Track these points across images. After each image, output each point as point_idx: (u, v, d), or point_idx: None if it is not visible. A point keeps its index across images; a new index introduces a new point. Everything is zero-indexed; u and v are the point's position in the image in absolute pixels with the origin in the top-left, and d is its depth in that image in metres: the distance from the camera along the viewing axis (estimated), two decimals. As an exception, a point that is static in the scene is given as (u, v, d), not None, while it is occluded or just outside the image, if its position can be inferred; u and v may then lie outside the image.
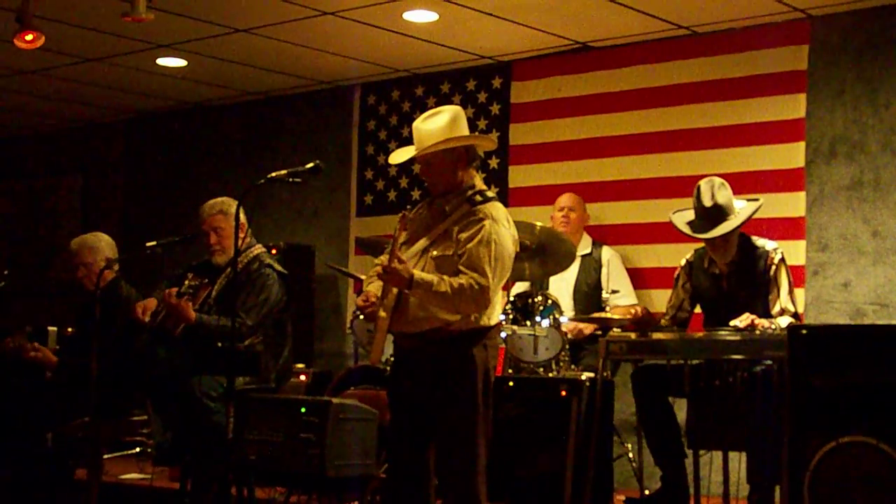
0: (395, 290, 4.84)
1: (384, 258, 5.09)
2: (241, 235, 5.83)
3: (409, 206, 5.28)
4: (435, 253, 4.87)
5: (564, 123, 8.45)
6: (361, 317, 6.55)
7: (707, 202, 6.00)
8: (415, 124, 5.02)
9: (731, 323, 5.72)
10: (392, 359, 5.31)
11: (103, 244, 7.11)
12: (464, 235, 4.83)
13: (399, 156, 5.18)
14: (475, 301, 4.76)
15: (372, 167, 9.48)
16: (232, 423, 5.43)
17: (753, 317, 5.71)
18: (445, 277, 4.74)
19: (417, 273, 4.73)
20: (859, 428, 4.99)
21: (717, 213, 5.99)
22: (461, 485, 4.85)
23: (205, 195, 6.88)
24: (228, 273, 6.26)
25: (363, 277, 5.15)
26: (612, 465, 6.46)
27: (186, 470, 6.31)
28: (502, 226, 4.88)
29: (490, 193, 5.02)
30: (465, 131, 5.04)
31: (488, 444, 4.91)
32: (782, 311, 5.95)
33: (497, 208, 4.94)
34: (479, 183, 5.06)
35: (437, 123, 4.94)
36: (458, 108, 5.08)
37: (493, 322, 4.95)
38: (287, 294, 6.46)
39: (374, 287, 4.98)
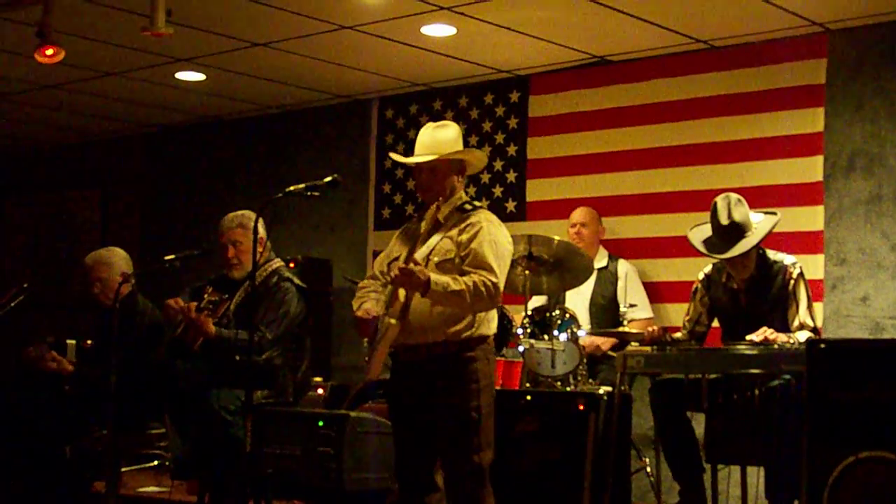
0: (401, 297, 4.86)
1: (368, 281, 5.18)
2: (260, 250, 5.83)
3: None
4: (436, 259, 4.91)
5: (582, 137, 8.45)
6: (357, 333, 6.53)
7: (724, 220, 5.97)
8: (424, 131, 5.16)
9: (748, 337, 5.69)
10: (390, 374, 5.30)
11: (118, 258, 7.12)
12: (464, 237, 4.92)
13: (411, 157, 5.23)
14: (490, 298, 4.81)
15: (390, 181, 9.50)
16: (249, 436, 5.43)
17: (770, 331, 5.69)
18: (458, 277, 4.78)
19: (433, 275, 4.75)
20: (879, 443, 4.97)
21: (735, 231, 5.96)
22: (466, 497, 4.87)
23: (223, 209, 6.88)
24: (247, 286, 6.26)
25: (353, 304, 5.16)
26: (630, 480, 6.44)
27: (204, 483, 6.32)
28: (497, 228, 4.99)
29: (478, 203, 5.16)
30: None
31: (497, 458, 4.92)
32: (801, 326, 5.92)
33: (489, 214, 5.07)
34: (465, 195, 5.17)
35: (449, 134, 5.12)
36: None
37: (492, 330, 5.02)
38: (306, 308, 6.47)
39: (370, 304, 5.01)
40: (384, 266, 5.12)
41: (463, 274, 4.81)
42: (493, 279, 4.79)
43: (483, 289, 4.76)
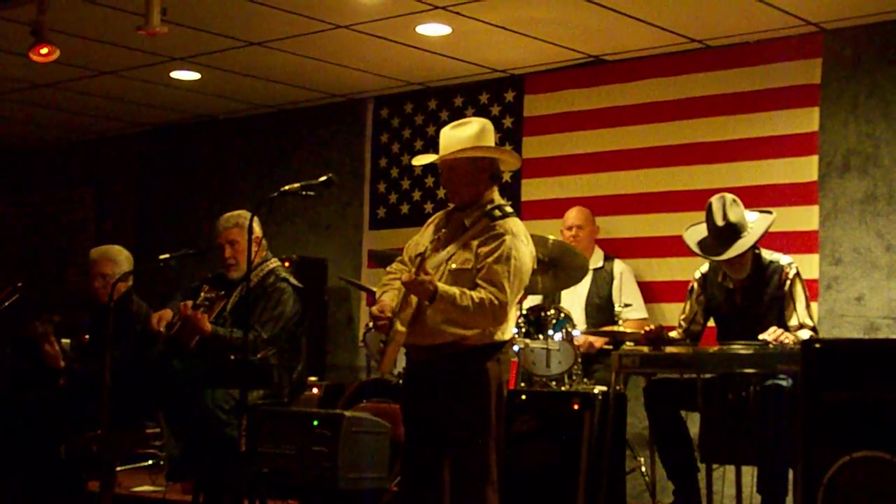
0: (413, 302, 4.82)
1: (395, 266, 5.10)
2: (256, 249, 5.81)
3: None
4: (454, 266, 4.86)
5: (577, 137, 8.45)
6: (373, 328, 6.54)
7: (719, 221, 5.97)
8: (443, 130, 5.03)
9: (760, 337, 5.68)
10: (404, 372, 5.30)
11: (123, 257, 7.15)
12: (483, 250, 4.83)
13: (424, 158, 5.22)
14: (494, 316, 4.77)
15: (385, 180, 9.50)
16: (244, 435, 5.43)
17: (780, 331, 5.68)
18: (467, 291, 4.72)
19: (441, 286, 4.70)
20: (873, 443, 4.96)
21: (731, 232, 5.96)
22: (472, 498, 4.85)
23: (218, 208, 6.90)
24: (244, 287, 6.26)
25: (376, 290, 5.14)
26: (625, 479, 6.45)
27: (199, 483, 6.31)
28: (521, 242, 4.88)
29: (509, 209, 5.01)
30: (492, 144, 5.05)
31: (499, 458, 4.92)
32: (801, 326, 5.92)
33: (516, 224, 4.94)
34: (499, 198, 5.05)
35: (467, 132, 4.96)
36: (488, 121, 5.07)
37: (506, 337, 4.96)
38: (302, 308, 6.46)
39: (388, 297, 4.97)
40: (412, 253, 5.03)
41: (475, 286, 4.77)
42: (502, 298, 4.73)
43: (488, 307, 4.71)
